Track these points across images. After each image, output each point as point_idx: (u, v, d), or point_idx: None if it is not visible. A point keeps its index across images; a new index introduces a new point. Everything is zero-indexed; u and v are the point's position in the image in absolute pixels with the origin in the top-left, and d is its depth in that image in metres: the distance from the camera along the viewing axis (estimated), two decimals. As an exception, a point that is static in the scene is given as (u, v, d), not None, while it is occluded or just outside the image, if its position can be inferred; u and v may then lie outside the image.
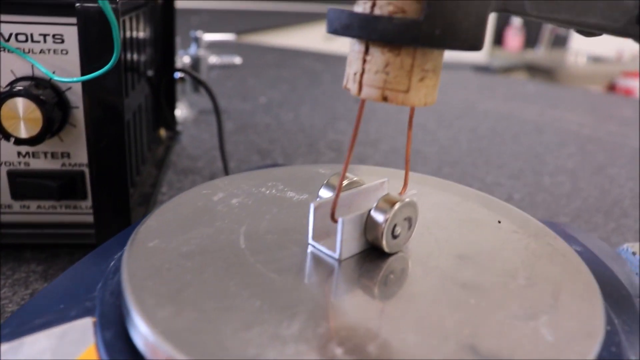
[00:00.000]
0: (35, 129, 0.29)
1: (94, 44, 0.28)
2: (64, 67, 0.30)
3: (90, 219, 0.33)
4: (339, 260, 0.20)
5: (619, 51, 3.00)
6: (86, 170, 0.32)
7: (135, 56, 0.37)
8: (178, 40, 0.53)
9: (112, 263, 0.21)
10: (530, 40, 2.78)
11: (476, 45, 0.17)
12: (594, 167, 0.61)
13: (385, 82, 0.17)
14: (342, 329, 0.16)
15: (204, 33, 0.60)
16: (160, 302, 0.16)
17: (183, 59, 0.58)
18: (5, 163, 0.31)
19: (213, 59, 0.61)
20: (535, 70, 2.64)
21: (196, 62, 0.60)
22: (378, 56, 0.17)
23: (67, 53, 0.30)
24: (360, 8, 0.18)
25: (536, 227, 0.25)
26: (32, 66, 0.30)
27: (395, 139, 0.63)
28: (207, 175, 0.47)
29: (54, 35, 0.29)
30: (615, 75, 2.86)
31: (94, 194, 0.31)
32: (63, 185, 0.32)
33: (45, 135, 0.29)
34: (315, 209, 0.20)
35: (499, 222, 0.25)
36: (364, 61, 0.18)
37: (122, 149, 0.30)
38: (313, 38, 2.02)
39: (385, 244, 0.20)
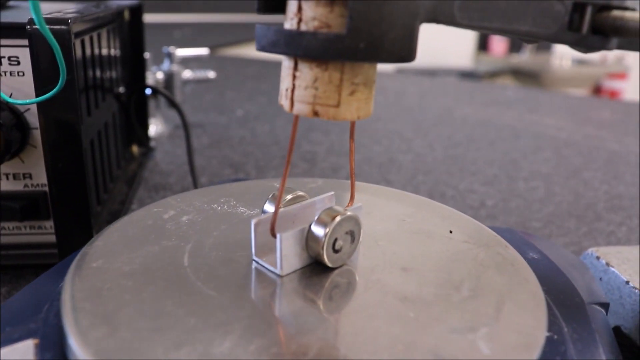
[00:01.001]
0: (-5, 151, 0.29)
1: (47, 65, 0.28)
2: (21, 89, 0.30)
3: (53, 238, 0.33)
4: (281, 276, 0.20)
5: (603, 53, 3.02)
6: (48, 190, 0.32)
7: (98, 74, 0.37)
8: (150, 56, 0.53)
9: (61, 284, 0.22)
10: (515, 44, 2.80)
11: (405, 57, 0.17)
12: (569, 171, 0.61)
13: (315, 97, 0.17)
14: (275, 345, 0.16)
15: (177, 48, 0.60)
16: (94, 323, 0.16)
17: (156, 75, 0.59)
18: (-34, 186, 0.31)
19: (187, 74, 0.61)
20: (520, 75, 2.66)
21: (169, 78, 0.60)
22: (307, 72, 0.17)
23: (23, 75, 0.30)
24: (287, 24, 0.18)
25: (488, 236, 0.25)
26: (-11, 88, 0.30)
27: (369, 149, 0.63)
28: (179, 190, 0.47)
29: (9, 57, 0.30)
30: (600, 78, 2.89)
31: (55, 214, 0.31)
32: (26, 206, 0.32)
33: (4, 157, 0.29)
34: (256, 225, 0.20)
35: (450, 232, 0.25)
36: (294, 77, 0.18)
37: (81, 169, 0.30)
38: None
39: (326, 259, 0.20)
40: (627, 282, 0.30)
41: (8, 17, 0.31)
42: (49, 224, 0.33)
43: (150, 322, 0.16)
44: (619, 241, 0.46)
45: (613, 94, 2.86)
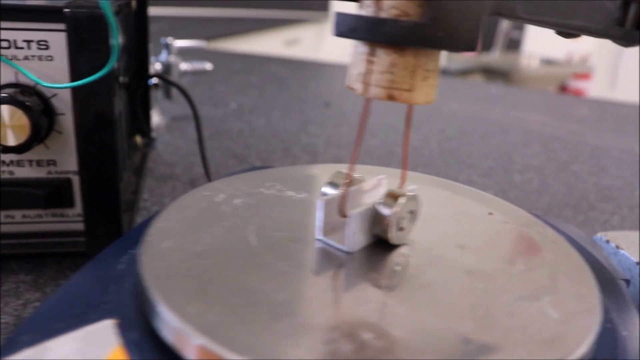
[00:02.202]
0: (23, 137, 0.29)
1: (84, 49, 0.27)
2: (50, 74, 0.29)
3: (77, 226, 0.33)
4: (349, 253, 0.20)
5: (569, 53, 3.11)
6: (73, 177, 0.32)
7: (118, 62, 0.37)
8: (150, 47, 0.53)
9: (119, 267, 0.21)
10: (486, 43, 2.86)
11: (473, 47, 0.18)
12: (558, 164, 0.63)
13: (391, 81, 0.18)
14: (367, 317, 0.17)
15: (175, 39, 0.60)
16: (188, 300, 0.16)
17: (154, 66, 0.58)
18: (-12, 173, 0.31)
19: (184, 66, 0.61)
20: (491, 73, 2.72)
21: (167, 69, 0.59)
22: (384, 57, 0.18)
23: (52, 59, 0.29)
24: (364, 11, 0.18)
25: (525, 217, 0.26)
26: (16, 73, 0.29)
27: (367, 142, 0.64)
28: (187, 181, 0.46)
29: (38, 42, 0.29)
30: (566, 77, 2.96)
31: (85, 201, 0.30)
32: (50, 194, 0.31)
33: (33, 142, 0.29)
34: (325, 205, 0.20)
35: (490, 213, 0.26)
36: (370, 62, 0.18)
37: (113, 155, 0.30)
38: (273, 44, 2.03)
39: (391, 236, 0.21)
40: (638, 263, 0.31)
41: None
42: (72, 212, 0.33)
43: (242, 297, 0.17)
44: (614, 229, 0.48)
45: (578, 93, 2.94)
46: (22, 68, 0.29)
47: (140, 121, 0.50)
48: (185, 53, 0.64)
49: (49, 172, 0.32)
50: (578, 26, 0.21)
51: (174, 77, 0.59)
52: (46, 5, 0.29)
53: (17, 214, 0.32)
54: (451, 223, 0.24)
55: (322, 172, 0.28)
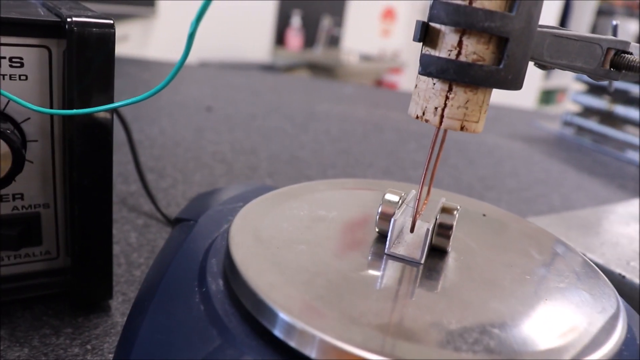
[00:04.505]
0: (4, 169, 0.25)
1: (85, 67, 0.25)
2: (24, 95, 0.26)
3: (43, 266, 0.29)
4: (419, 264, 0.23)
5: (382, 49, 3.37)
6: (42, 211, 0.28)
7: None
8: None
9: (196, 307, 0.20)
10: (309, 40, 2.97)
11: (521, 85, 0.22)
12: (440, 160, 0.70)
13: (465, 115, 0.21)
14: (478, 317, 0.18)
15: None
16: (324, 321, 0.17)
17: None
18: (-63, 214, 0.26)
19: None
20: (315, 68, 2.83)
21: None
22: (461, 94, 0.21)
23: (26, 79, 0.26)
24: (445, 54, 0.20)
25: (508, 216, 0.29)
26: (-20, 96, 0.25)
27: (266, 147, 0.64)
28: (117, 201, 0.43)
29: (10, 59, 0.25)
30: (381, 72, 3.21)
31: (75, 237, 0.27)
32: (22, 232, 0.27)
33: (14, 175, 0.25)
34: (394, 223, 0.23)
35: (484, 215, 0.29)
36: (447, 97, 0.21)
37: (109, 184, 0.27)
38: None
39: (449, 245, 0.24)
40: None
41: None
42: (39, 250, 0.29)
43: (357, 323, 0.18)
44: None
45: (392, 86, 3.21)
46: (8, 94, 0.25)
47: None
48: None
49: (15, 208, 0.28)
50: (579, 67, 0.25)
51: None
52: (23, 18, 0.25)
53: (-29, 259, 0.28)
54: (462, 226, 0.27)
55: (330, 187, 0.30)
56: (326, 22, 3.02)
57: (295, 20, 2.89)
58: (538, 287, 0.22)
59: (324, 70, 2.83)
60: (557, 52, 0.23)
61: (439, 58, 0.20)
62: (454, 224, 0.23)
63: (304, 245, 0.23)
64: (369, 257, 0.23)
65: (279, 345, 0.18)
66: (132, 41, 2.18)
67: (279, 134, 0.70)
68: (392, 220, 0.23)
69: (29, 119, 0.26)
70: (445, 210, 0.24)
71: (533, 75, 2.88)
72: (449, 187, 0.59)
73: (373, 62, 3.13)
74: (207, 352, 0.18)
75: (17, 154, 0.25)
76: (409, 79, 3.32)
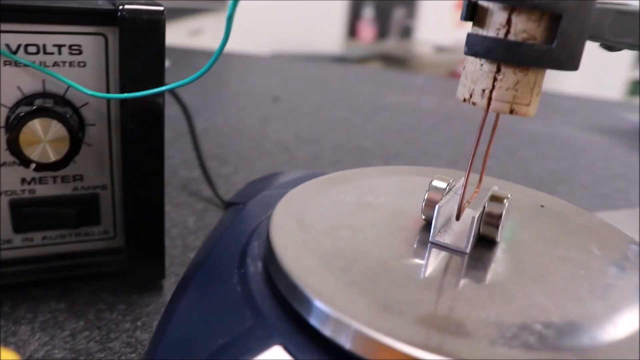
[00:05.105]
0: (62, 151, 0.26)
1: (139, 55, 0.25)
2: (82, 81, 0.27)
3: (104, 245, 0.31)
4: (466, 253, 0.22)
5: (456, 40, 3.28)
6: (101, 192, 0.29)
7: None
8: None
9: (234, 289, 0.20)
10: (382, 31, 2.94)
11: (577, 67, 0.20)
12: (506, 151, 0.67)
13: (514, 97, 0.20)
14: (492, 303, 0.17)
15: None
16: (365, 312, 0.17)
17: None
18: (5, 192, 0.28)
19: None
20: (387, 60, 2.81)
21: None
22: (510, 75, 0.20)
23: (84, 65, 0.27)
24: (493, 33, 0.19)
25: (570, 208, 0.28)
26: (44, 81, 0.26)
27: (332, 136, 0.64)
28: (178, 186, 0.44)
29: (70, 46, 0.26)
30: (456, 63, 3.13)
31: (128, 218, 0.28)
32: (81, 212, 0.29)
33: (72, 157, 0.26)
34: (438, 210, 0.22)
35: (542, 206, 0.28)
36: (495, 79, 0.19)
37: (160, 167, 0.28)
38: (177, 34, 1.96)
39: (499, 235, 0.23)
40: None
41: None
42: (97, 230, 0.30)
43: (397, 313, 0.17)
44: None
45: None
46: (66, 79, 0.26)
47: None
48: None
49: (75, 189, 0.29)
50: None
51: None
52: (81, 7, 0.26)
53: (37, 236, 0.29)
54: (517, 217, 0.25)
55: (381, 174, 0.30)
56: (399, 13, 2.98)
57: (368, 12, 2.87)
58: (591, 284, 0.21)
59: (396, 62, 2.80)
60: (622, 29, 0.22)
61: (486, 37, 0.19)
62: (503, 212, 0.22)
63: (346, 231, 0.22)
64: (413, 245, 0.22)
65: (310, 330, 0.17)
66: (207, 34, 2.24)
67: (344, 124, 0.70)
68: (437, 207, 0.22)
69: (87, 103, 0.27)
70: (494, 198, 0.23)
71: (620, 64, 2.72)
72: (516, 179, 0.57)
73: (447, 53, 3.06)
74: (238, 332, 0.18)
75: (74, 136, 0.26)
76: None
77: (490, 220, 0.22)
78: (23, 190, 0.28)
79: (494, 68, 0.20)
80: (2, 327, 0.26)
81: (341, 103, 0.82)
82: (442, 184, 0.23)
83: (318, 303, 0.17)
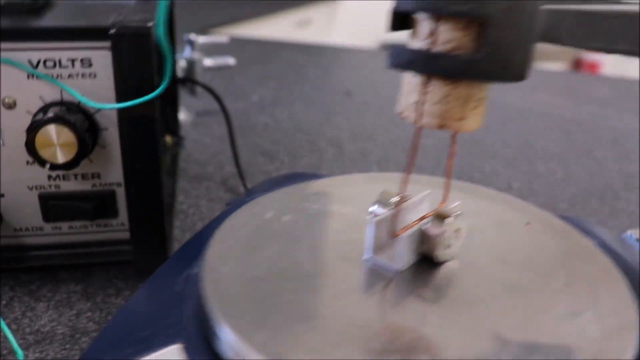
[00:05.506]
0: (71, 154, 0.29)
1: (129, 67, 0.28)
2: (93, 91, 0.30)
3: (121, 235, 0.34)
4: (398, 272, 0.22)
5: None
6: (116, 189, 0.33)
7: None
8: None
9: (177, 288, 0.22)
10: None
11: (523, 76, 0.19)
12: (580, 151, 0.63)
13: (444, 112, 0.19)
14: (420, 339, 0.18)
15: (198, 35, 0.60)
16: (252, 325, 0.18)
17: (179, 63, 0.58)
18: (35, 187, 0.32)
19: (208, 62, 0.61)
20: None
21: (191, 65, 0.60)
22: (438, 89, 0.19)
23: (95, 77, 0.30)
24: (418, 44, 0.19)
25: (560, 226, 0.26)
26: (61, 91, 0.30)
27: (391, 132, 0.64)
28: (219, 181, 0.47)
29: (81, 60, 0.30)
30: (579, 50, 2.92)
31: (131, 212, 0.31)
32: (97, 206, 0.32)
33: (80, 159, 0.30)
34: (376, 225, 0.22)
35: (528, 223, 0.27)
36: (424, 92, 0.19)
37: (156, 168, 0.31)
38: (285, 26, 2.01)
39: (437, 255, 0.22)
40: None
41: (62, 19, 0.31)
42: (116, 222, 0.34)
43: (303, 323, 0.18)
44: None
45: (592, 67, 2.89)
46: (71, 89, 0.29)
47: (169, 121, 0.51)
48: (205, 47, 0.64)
49: (94, 185, 0.33)
50: (625, 49, 0.21)
51: (197, 74, 0.59)
52: (89, 25, 0.29)
53: (64, 225, 0.33)
54: (492, 235, 0.25)
55: (362, 182, 0.29)
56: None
57: None
58: (528, 306, 0.20)
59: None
60: (587, 33, 0.20)
61: (407, 48, 0.19)
62: (443, 232, 0.22)
63: (278, 246, 0.23)
64: (347, 261, 0.22)
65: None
66: (316, 26, 2.28)
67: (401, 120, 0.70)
68: (374, 221, 0.22)
69: (99, 110, 0.31)
70: (439, 216, 0.22)
71: None
72: (578, 183, 0.54)
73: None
74: (159, 327, 0.20)
75: (82, 141, 0.29)
76: (614, 59, 2.97)
77: (428, 241, 0.22)
78: (50, 186, 0.32)
79: (423, 81, 0.19)
80: (24, 302, 0.31)
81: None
82: (390, 198, 0.23)
83: (215, 318, 0.19)
